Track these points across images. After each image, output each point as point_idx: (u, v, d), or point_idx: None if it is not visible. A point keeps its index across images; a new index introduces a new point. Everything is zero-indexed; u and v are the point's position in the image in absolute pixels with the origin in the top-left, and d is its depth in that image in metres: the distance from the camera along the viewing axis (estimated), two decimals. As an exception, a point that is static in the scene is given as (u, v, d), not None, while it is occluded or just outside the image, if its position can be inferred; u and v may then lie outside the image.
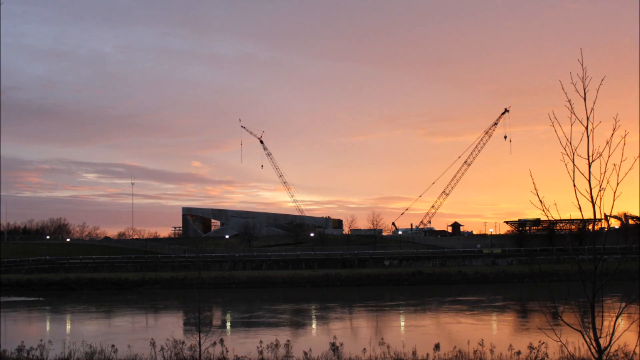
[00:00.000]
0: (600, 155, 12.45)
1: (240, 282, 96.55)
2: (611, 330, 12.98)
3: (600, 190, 12.47)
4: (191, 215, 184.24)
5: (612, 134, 12.47)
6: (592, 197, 12.51)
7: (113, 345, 31.34)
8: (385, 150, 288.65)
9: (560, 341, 14.67)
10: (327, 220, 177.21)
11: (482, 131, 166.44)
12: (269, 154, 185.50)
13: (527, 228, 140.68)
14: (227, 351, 29.67)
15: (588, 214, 13.14)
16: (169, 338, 30.10)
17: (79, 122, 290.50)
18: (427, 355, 29.56)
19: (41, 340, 31.73)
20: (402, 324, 56.12)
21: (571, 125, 12.62)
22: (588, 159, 12.51)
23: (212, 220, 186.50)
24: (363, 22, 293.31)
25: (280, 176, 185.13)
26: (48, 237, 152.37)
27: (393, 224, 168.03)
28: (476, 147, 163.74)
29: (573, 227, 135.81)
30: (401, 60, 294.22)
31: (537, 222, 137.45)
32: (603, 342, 12.97)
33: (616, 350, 21.35)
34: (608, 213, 12.55)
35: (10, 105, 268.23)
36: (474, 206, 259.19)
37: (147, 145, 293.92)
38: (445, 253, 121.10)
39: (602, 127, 12.67)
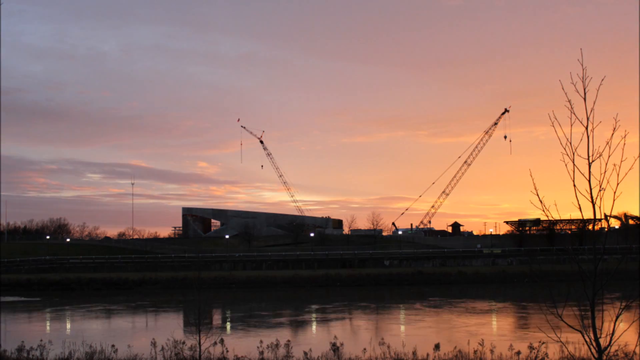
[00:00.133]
0: (600, 156, 12.46)
1: (240, 282, 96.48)
2: (611, 330, 12.99)
3: (600, 190, 12.49)
4: (191, 215, 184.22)
5: (612, 134, 12.50)
6: (592, 197, 12.52)
7: (113, 345, 31.32)
8: (386, 150, 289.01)
9: (560, 341, 14.66)
10: (327, 220, 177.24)
11: (482, 131, 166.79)
12: (269, 154, 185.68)
13: (527, 228, 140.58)
14: (227, 351, 29.67)
15: (588, 214, 13.14)
16: (169, 338, 30.04)
17: (84, 123, 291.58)
18: (427, 355, 29.55)
19: (41, 340, 31.69)
20: (402, 324, 56.14)
21: (571, 126, 12.64)
22: (588, 159, 12.52)
23: (212, 220, 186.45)
24: (363, 23, 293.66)
25: (280, 176, 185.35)
26: (48, 237, 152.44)
27: (393, 224, 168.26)
28: (476, 147, 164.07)
29: (573, 227, 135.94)
30: (401, 60, 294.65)
31: (537, 222, 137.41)
32: (603, 342, 12.97)
33: (616, 350, 21.30)
34: (608, 213, 12.56)
35: (17, 107, 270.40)
36: (474, 206, 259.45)
37: (152, 146, 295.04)
38: (445, 253, 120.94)
39: (602, 127, 12.70)
